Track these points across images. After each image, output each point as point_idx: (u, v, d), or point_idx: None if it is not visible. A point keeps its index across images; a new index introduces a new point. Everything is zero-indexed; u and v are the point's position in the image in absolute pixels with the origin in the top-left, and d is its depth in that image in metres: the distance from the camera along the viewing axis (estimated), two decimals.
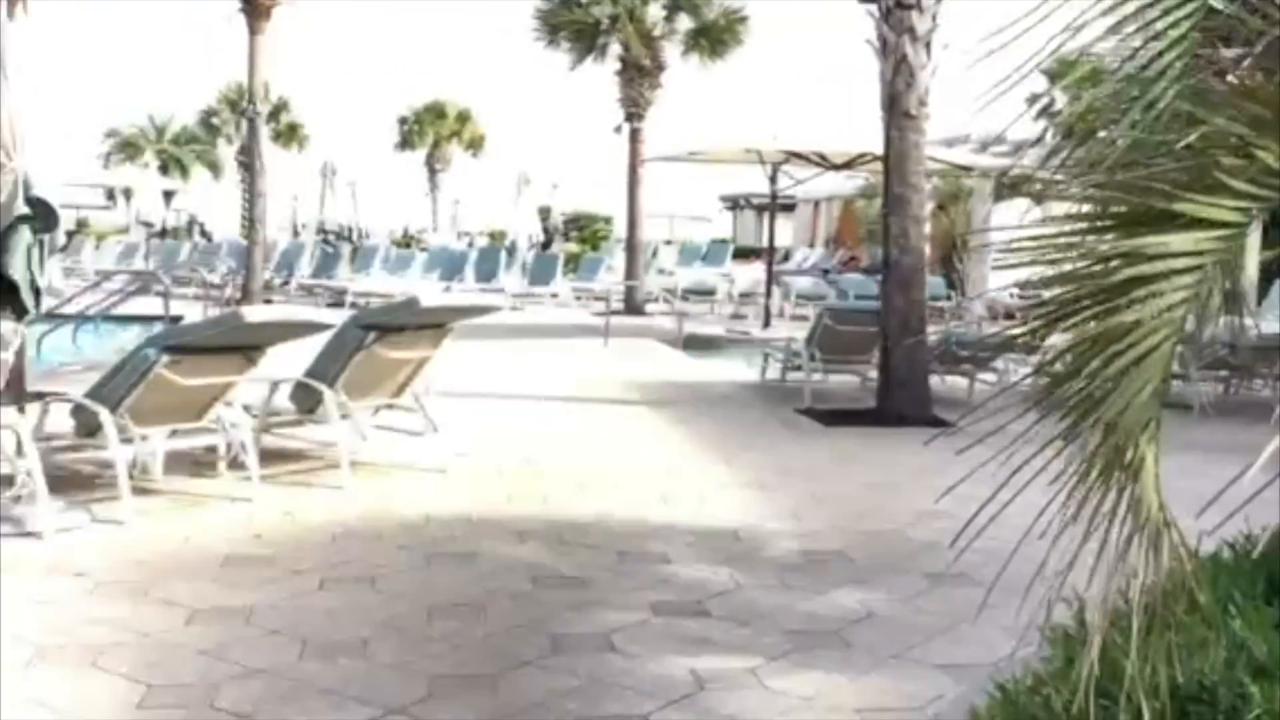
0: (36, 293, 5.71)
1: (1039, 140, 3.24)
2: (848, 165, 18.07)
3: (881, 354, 9.85)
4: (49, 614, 4.42)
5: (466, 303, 8.56)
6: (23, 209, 5.56)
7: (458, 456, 7.40)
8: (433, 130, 50.31)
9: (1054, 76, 3.20)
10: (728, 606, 4.72)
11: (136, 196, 28.22)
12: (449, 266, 24.12)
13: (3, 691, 3.69)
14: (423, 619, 4.48)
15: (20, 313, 5.77)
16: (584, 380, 11.84)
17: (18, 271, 5.60)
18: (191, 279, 19.70)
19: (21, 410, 5.67)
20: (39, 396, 6.20)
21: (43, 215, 5.66)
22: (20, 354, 5.55)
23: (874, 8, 9.74)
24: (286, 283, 22.80)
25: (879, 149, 10.14)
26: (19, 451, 5.45)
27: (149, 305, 15.92)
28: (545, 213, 26.94)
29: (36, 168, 5.70)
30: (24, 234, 5.60)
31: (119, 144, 42.93)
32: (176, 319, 13.20)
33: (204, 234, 28.54)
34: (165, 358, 5.81)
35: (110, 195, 40.34)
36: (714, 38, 21.14)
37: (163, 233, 28.19)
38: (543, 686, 3.87)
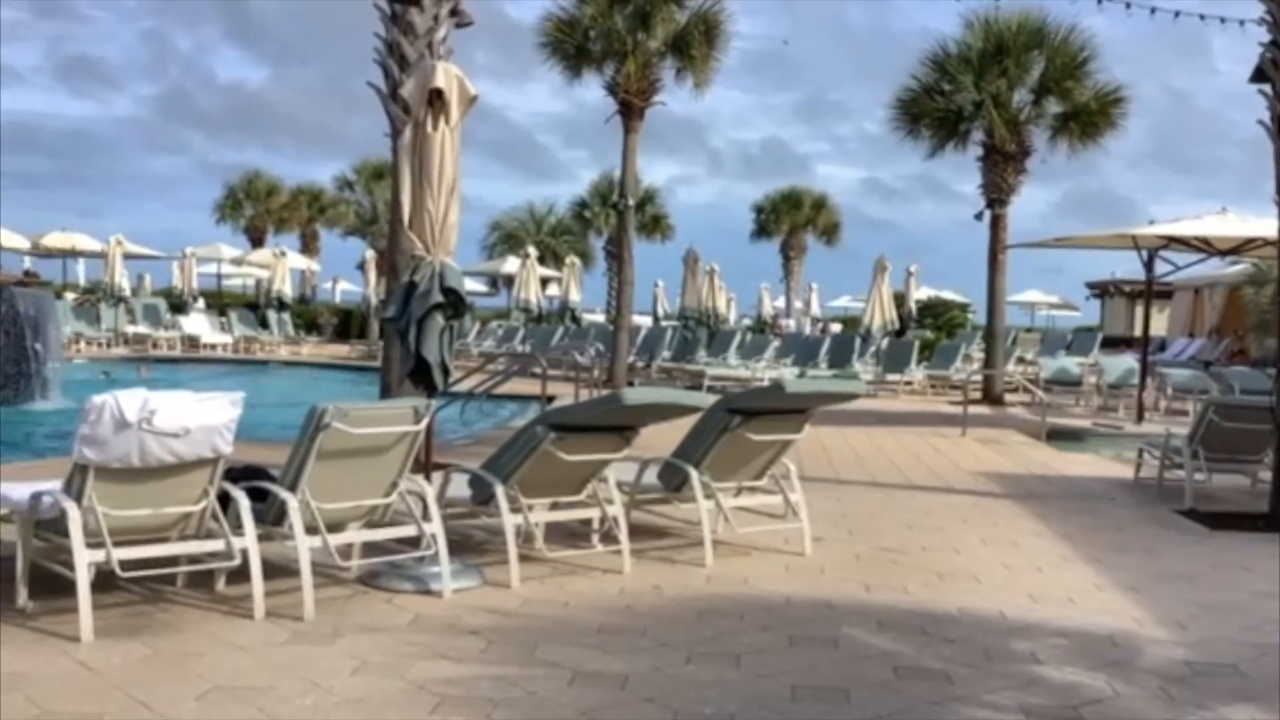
0: (445, 373, 6.36)
1: None
2: (1235, 250, 16.92)
3: (1275, 454, 9.09)
4: (449, 668, 4.84)
5: (830, 388, 8.65)
6: (438, 297, 6.22)
7: (816, 541, 7.48)
8: (788, 219, 51.27)
9: None
10: (1105, 715, 4.50)
11: (516, 284, 30.43)
12: (803, 352, 24.39)
13: None
14: (787, 699, 4.56)
15: (430, 390, 6.44)
16: (941, 470, 11.63)
17: (431, 354, 6.26)
18: (563, 361, 20.97)
19: (428, 478, 6.27)
20: (440, 467, 6.83)
21: (454, 304, 6.31)
22: (428, 428, 6.15)
23: (1268, 87, 9.17)
24: (648, 366, 23.82)
25: (1271, 233, 9.47)
26: (425, 515, 6.03)
27: (526, 385, 17.12)
28: (900, 299, 26.69)
29: (449, 261, 6.37)
30: (438, 320, 6.27)
31: (502, 236, 46.61)
32: (551, 399, 14.14)
33: (574, 319, 30.26)
34: (552, 435, 6.27)
35: (493, 283, 43.75)
36: (1085, 121, 20.39)
37: (539, 318, 30.19)
38: None
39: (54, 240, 36.93)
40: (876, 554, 7.45)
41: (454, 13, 9.60)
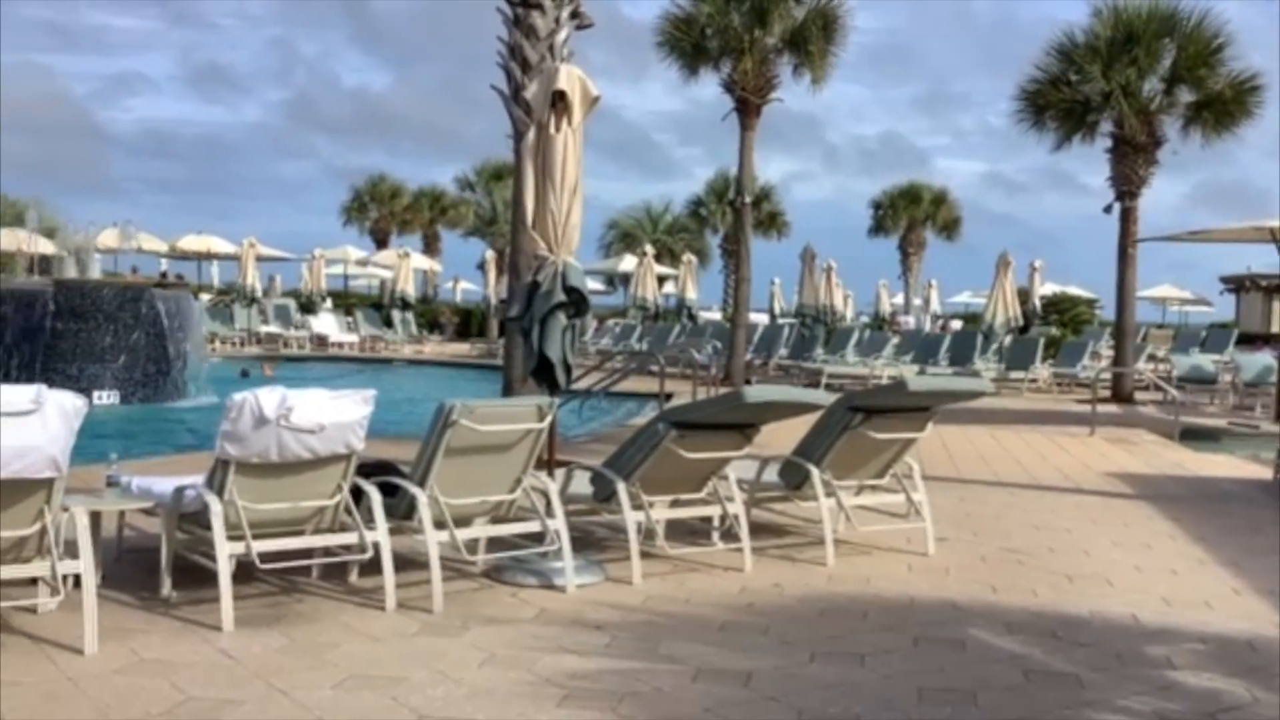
0: (567, 371, 6.44)
1: None
2: None
3: None
4: (574, 661, 4.90)
5: (954, 386, 8.51)
6: (560, 296, 6.30)
7: (939, 541, 7.38)
8: (906, 214, 50.56)
9: None
10: None
11: (633, 282, 30.60)
12: (923, 349, 24.04)
13: None
14: (914, 701, 4.52)
15: (552, 388, 6.52)
16: (1068, 470, 11.35)
17: (554, 352, 6.35)
18: (680, 359, 21.03)
19: (551, 475, 6.36)
20: (562, 464, 6.91)
21: (576, 302, 6.39)
22: (552, 425, 6.23)
23: None
24: (765, 363, 23.72)
25: None
26: (548, 511, 6.12)
27: (643, 383, 17.23)
28: (1024, 295, 26.09)
29: (572, 260, 6.45)
30: (560, 319, 6.35)
31: (619, 234, 46.92)
32: (668, 396, 14.19)
33: (691, 317, 30.29)
34: (674, 432, 6.30)
35: (610, 281, 44.07)
36: (1219, 110, 19.66)
37: (655, 316, 30.29)
38: None
39: (189, 243, 38.38)
40: (1002, 555, 7.31)
41: (574, 15, 9.71)
